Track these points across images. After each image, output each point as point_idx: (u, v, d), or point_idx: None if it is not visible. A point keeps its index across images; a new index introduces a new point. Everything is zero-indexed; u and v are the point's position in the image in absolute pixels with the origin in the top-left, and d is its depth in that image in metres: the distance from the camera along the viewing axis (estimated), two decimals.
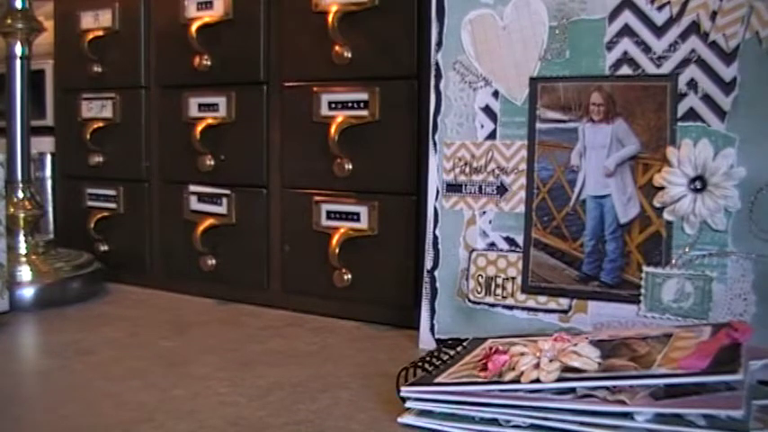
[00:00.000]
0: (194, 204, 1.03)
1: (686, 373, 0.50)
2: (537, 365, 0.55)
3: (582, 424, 0.52)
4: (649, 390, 0.52)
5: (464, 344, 0.68)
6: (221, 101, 0.99)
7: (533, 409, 0.54)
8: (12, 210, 0.99)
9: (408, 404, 0.59)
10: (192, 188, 1.03)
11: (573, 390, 0.54)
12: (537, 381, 0.54)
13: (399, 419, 0.58)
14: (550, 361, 0.55)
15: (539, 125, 0.74)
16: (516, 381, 0.55)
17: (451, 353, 0.66)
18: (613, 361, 0.55)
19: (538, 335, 0.66)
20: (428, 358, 0.64)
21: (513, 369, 0.56)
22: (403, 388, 0.59)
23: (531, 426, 0.54)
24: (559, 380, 0.54)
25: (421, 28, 0.83)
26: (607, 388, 0.52)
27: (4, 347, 0.81)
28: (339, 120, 0.88)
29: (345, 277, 0.89)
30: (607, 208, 0.71)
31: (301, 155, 0.93)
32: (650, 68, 0.69)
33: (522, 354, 0.57)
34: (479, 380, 0.57)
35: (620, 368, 0.53)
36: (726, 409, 0.48)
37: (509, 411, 0.55)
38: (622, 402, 0.51)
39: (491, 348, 0.60)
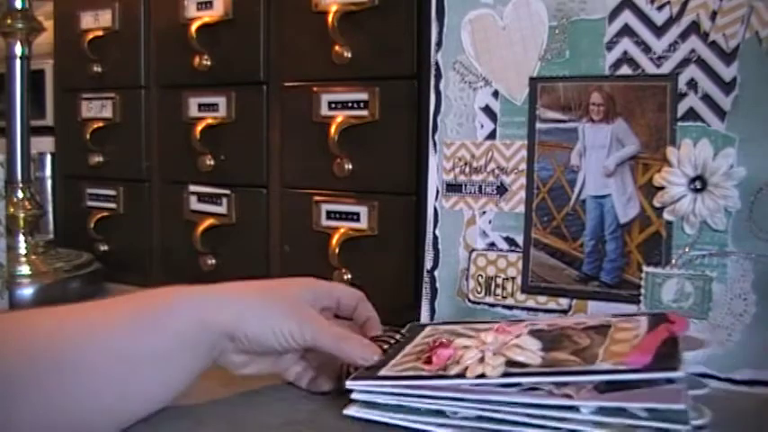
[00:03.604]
0: (194, 204, 1.03)
1: (630, 369, 0.52)
2: (482, 359, 0.56)
3: (528, 416, 0.53)
4: (594, 383, 0.53)
5: (402, 331, 0.68)
6: (221, 101, 0.99)
7: (479, 401, 0.54)
8: (12, 210, 0.98)
9: (353, 396, 0.58)
10: (192, 188, 1.03)
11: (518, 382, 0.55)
12: (482, 375, 0.55)
13: (344, 411, 0.58)
14: (494, 355, 0.56)
15: (539, 125, 0.74)
16: (461, 375, 0.56)
17: (392, 341, 0.66)
18: (556, 354, 0.56)
19: (476, 321, 0.67)
20: None
21: (458, 363, 0.57)
22: (347, 381, 0.59)
23: (478, 417, 0.54)
24: (505, 374, 0.55)
25: (421, 28, 0.82)
26: (554, 383, 0.54)
27: None
28: (339, 120, 0.88)
29: (345, 277, 0.89)
30: (607, 208, 0.71)
31: (301, 155, 0.93)
32: (650, 68, 0.69)
33: (466, 347, 0.58)
34: (424, 373, 0.58)
35: (564, 362, 0.55)
36: (668, 403, 0.50)
37: (455, 404, 0.55)
38: (568, 396, 0.52)
39: (435, 341, 0.61)
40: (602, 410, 0.51)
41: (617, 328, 0.60)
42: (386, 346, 0.64)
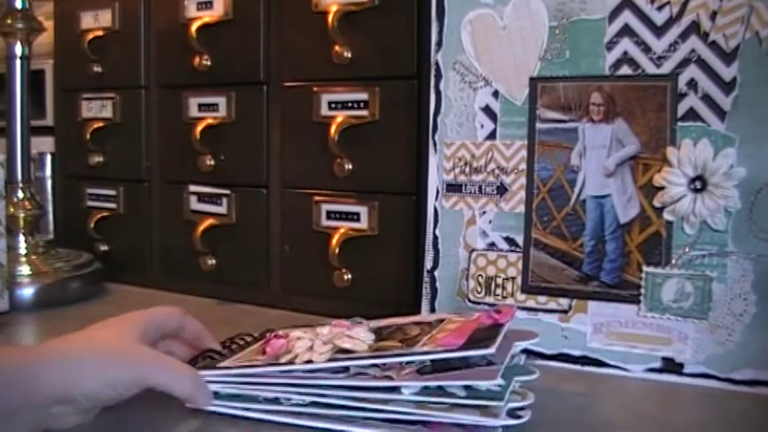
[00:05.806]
0: (194, 204, 1.03)
1: (444, 349, 0.55)
2: (311, 348, 0.59)
3: (355, 399, 0.55)
4: (417, 367, 0.56)
5: (255, 334, 0.70)
6: (221, 101, 0.99)
7: (309, 387, 0.57)
8: (12, 210, 0.98)
9: None
10: (192, 188, 1.03)
11: (347, 369, 0.57)
12: (310, 362, 0.57)
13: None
14: (324, 344, 0.59)
15: (539, 125, 0.74)
16: (291, 362, 0.58)
17: (241, 342, 0.68)
18: (383, 343, 0.59)
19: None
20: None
21: (290, 352, 0.59)
22: None
23: (311, 403, 0.57)
24: (330, 360, 0.57)
25: (421, 28, 0.82)
26: (377, 366, 0.56)
27: None
28: (339, 120, 0.88)
29: (345, 277, 0.89)
30: (607, 208, 0.71)
31: (301, 155, 0.93)
32: (650, 68, 0.69)
33: (299, 338, 0.61)
34: (257, 363, 0.60)
35: (389, 348, 0.58)
36: (482, 380, 0.53)
37: (288, 390, 0.57)
38: (389, 378, 0.55)
39: (272, 334, 0.64)
40: (422, 391, 0.54)
41: (449, 321, 0.63)
42: (234, 346, 0.67)
